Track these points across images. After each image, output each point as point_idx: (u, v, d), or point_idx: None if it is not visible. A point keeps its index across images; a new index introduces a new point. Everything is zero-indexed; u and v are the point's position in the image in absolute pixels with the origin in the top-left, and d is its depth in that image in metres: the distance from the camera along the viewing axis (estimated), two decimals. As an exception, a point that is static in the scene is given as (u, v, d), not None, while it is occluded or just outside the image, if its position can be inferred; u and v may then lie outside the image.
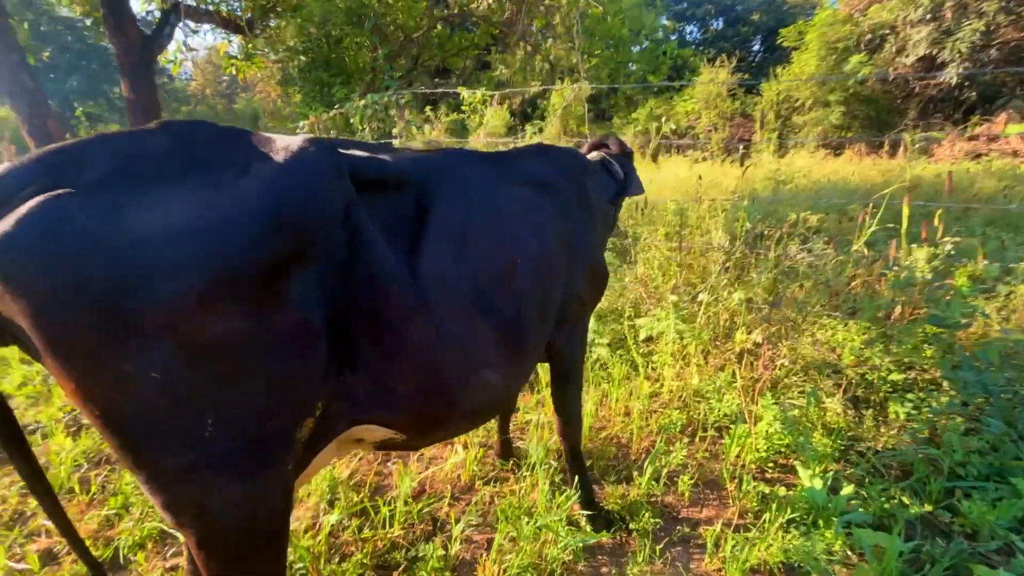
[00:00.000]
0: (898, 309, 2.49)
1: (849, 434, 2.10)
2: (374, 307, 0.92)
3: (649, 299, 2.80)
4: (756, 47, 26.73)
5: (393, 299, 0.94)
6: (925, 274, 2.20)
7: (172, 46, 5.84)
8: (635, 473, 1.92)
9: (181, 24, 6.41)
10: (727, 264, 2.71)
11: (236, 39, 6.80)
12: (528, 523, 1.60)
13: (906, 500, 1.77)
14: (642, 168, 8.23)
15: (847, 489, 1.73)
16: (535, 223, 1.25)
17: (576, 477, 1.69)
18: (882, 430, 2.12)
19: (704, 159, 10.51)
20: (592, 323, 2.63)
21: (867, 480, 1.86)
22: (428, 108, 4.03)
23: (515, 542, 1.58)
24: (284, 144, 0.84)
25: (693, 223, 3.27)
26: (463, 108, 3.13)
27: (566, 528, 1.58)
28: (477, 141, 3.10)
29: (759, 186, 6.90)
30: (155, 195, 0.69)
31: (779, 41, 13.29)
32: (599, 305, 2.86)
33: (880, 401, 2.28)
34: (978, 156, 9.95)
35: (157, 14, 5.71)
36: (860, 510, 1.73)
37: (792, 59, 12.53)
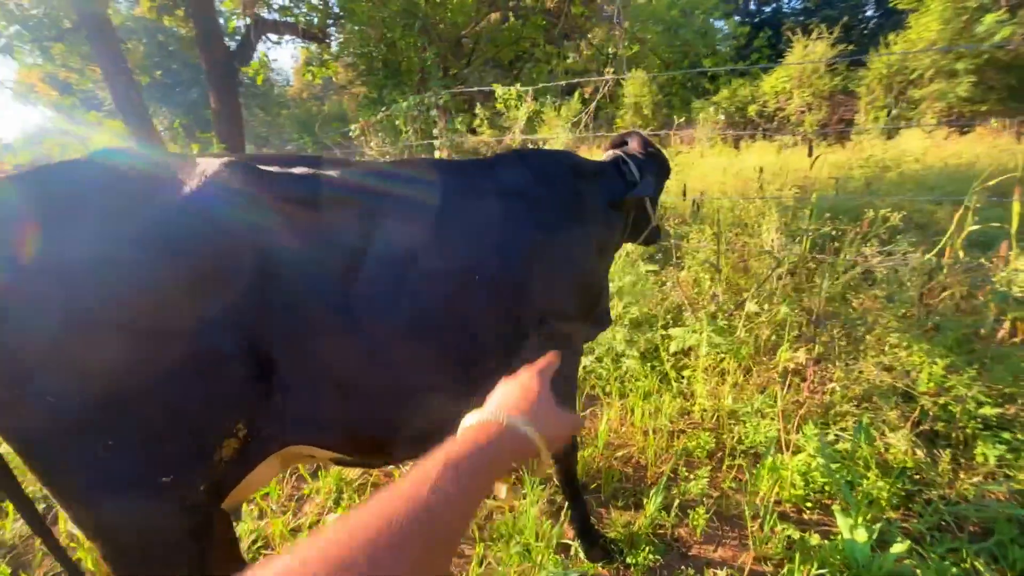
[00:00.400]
0: (1006, 326, 2.06)
1: (916, 476, 1.77)
2: (295, 331, 0.90)
3: (691, 306, 2.57)
4: (869, 12, 23.62)
5: (316, 323, 0.91)
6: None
7: (255, 57, 6.38)
8: (647, 499, 1.77)
9: (263, 37, 6.98)
10: (776, 270, 2.40)
11: (313, 47, 7.28)
12: (514, 545, 1.53)
13: (979, 566, 1.45)
14: (716, 156, 7.60)
15: (899, 545, 1.46)
16: (499, 236, 1.17)
17: (571, 502, 1.58)
18: (962, 476, 1.76)
19: (795, 144, 9.52)
20: (622, 332, 2.47)
21: (929, 536, 1.56)
22: (499, 104, 3.93)
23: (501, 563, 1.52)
24: (200, 170, 0.85)
25: (751, 221, 2.95)
26: (496, 106, 3.07)
27: (553, 557, 1.49)
28: (512, 139, 3.03)
29: (856, 174, 6.11)
30: (57, 228, 0.71)
31: (892, 3, 11.54)
32: (633, 313, 2.68)
33: (964, 439, 1.89)
34: None
35: (242, 28, 6.26)
36: (918, 572, 1.45)
37: (909, 23, 10.85)
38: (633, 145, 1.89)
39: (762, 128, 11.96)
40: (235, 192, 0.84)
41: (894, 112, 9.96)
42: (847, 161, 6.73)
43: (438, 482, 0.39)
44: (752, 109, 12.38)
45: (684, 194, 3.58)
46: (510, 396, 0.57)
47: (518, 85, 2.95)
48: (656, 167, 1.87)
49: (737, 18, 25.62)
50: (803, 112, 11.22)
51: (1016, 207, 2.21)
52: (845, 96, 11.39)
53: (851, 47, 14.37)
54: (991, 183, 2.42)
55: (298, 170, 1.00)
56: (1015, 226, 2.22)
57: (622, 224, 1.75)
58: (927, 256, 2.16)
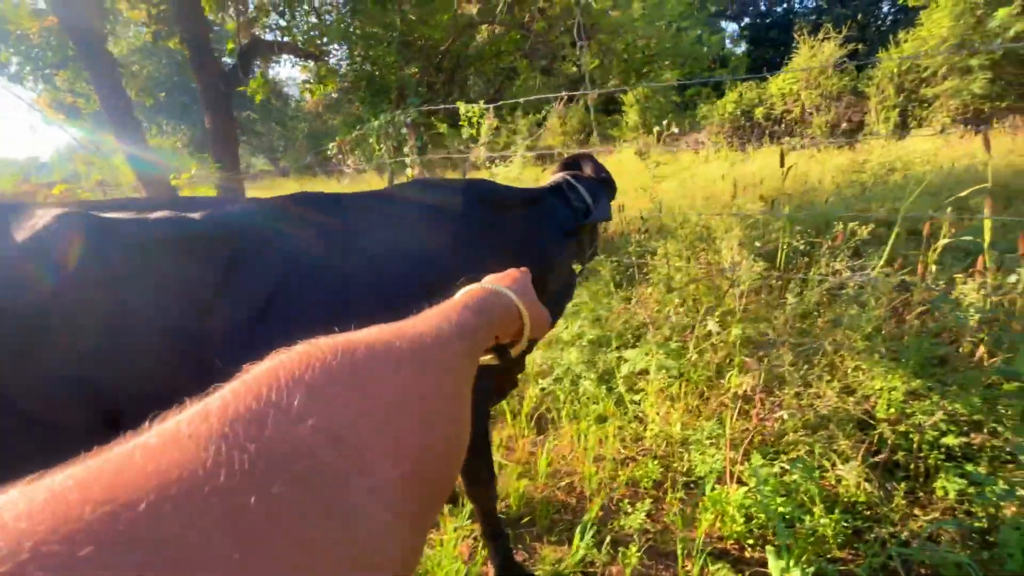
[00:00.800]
0: (982, 348, 1.94)
1: (867, 512, 1.67)
2: (142, 385, 0.88)
3: (652, 325, 2.49)
4: (885, 8, 23.11)
5: (163, 376, 0.89)
6: (970, 313, 1.66)
7: (253, 76, 6.53)
8: (581, 534, 1.70)
9: (265, 57, 7.13)
10: (734, 288, 2.31)
11: (311, 64, 7.43)
12: (432, 584, 1.48)
13: (920, 616, 1.35)
14: (722, 161, 7.46)
15: (835, 591, 1.37)
16: (380, 275, 1.13)
17: (490, 539, 1.53)
18: (917, 511, 1.65)
19: (803, 147, 9.31)
20: (576, 354, 2.41)
21: (873, 580, 1.46)
22: (463, 121, 3.92)
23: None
24: (29, 223, 0.84)
25: (720, 236, 2.86)
26: (461, 123, 3.06)
27: (465, 598, 1.44)
28: (477, 155, 3.00)
29: (860, 178, 5.94)
30: None
31: (902, 0, 11.22)
32: (591, 334, 2.62)
33: (926, 471, 1.78)
34: None
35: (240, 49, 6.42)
36: (856, 619, 1.36)
37: (920, 20, 10.53)
38: (585, 169, 1.84)
39: (768, 131, 11.72)
40: (60, 244, 0.83)
41: (905, 111, 9.65)
42: (850, 165, 6.55)
43: (460, 315, 0.43)
44: (759, 112, 12.15)
45: (660, 209, 3.51)
46: (495, 276, 0.64)
47: (482, 103, 2.93)
48: (608, 194, 1.82)
49: (747, 19, 25.37)
50: (811, 114, 10.97)
51: (987, 221, 2.09)
52: (855, 96, 11.09)
53: (861, 46, 14.02)
54: (964, 193, 2.30)
55: (155, 215, 0.98)
56: (987, 240, 2.10)
57: (572, 250, 1.69)
58: (875, 271, 2.05)
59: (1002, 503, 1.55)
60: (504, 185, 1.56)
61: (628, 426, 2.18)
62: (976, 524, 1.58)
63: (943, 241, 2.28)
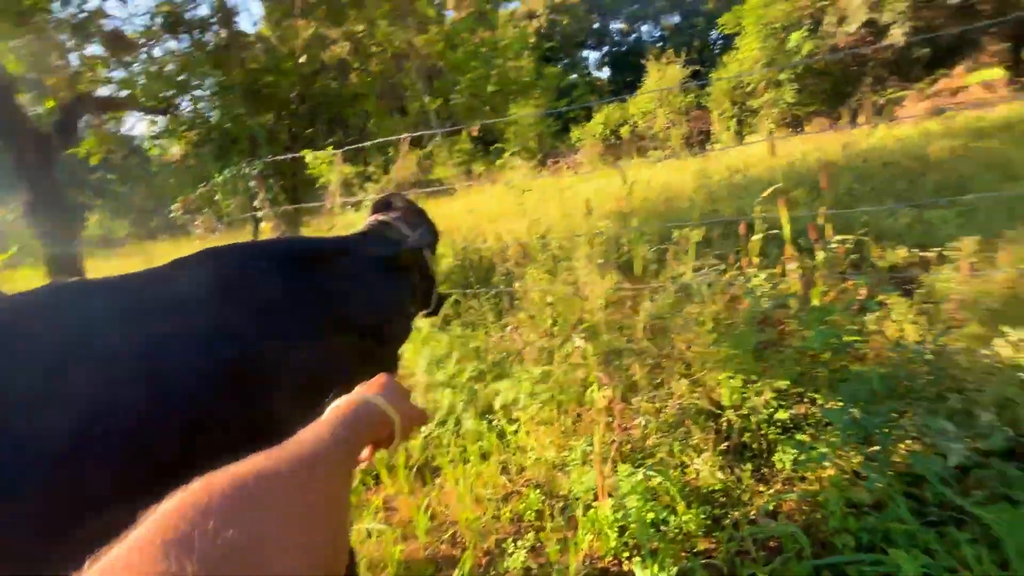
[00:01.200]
0: (791, 328, 2.21)
1: (723, 499, 1.79)
2: None
3: (521, 353, 2.53)
4: (714, 35, 26.82)
5: None
6: (762, 301, 1.90)
7: (83, 136, 5.81)
8: (464, 588, 1.62)
9: (97, 114, 6.40)
10: (587, 304, 2.44)
11: (159, 119, 6.80)
12: None
13: (769, 591, 1.45)
14: (598, 178, 7.96)
15: (696, 586, 1.42)
16: (158, 365, 1.00)
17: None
18: (762, 488, 1.81)
19: (668, 157, 10.30)
20: (451, 395, 2.36)
21: (730, 563, 1.55)
22: (311, 170, 3.64)
23: None
24: None
25: (575, 255, 3.01)
26: (310, 171, 2.95)
27: None
28: (333, 201, 2.91)
29: (712, 182, 6.66)
30: None
31: (719, 30, 13.14)
32: (474, 365, 2.59)
33: (768, 447, 1.96)
34: (941, 112, 9.63)
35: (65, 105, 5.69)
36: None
37: (736, 44, 12.37)
38: (398, 205, 1.81)
39: (637, 146, 12.88)
40: None
41: (740, 120, 11.13)
42: (701, 172, 7.33)
43: (333, 431, 0.49)
44: (625, 130, 13.33)
45: (527, 232, 3.63)
46: (364, 386, 0.69)
47: (330, 149, 2.84)
48: (427, 224, 1.80)
49: (606, 48, 28.10)
50: (668, 128, 12.26)
51: (784, 215, 2.41)
52: (700, 111, 12.61)
53: (701, 67, 16.07)
54: (766, 194, 2.65)
55: None
56: (787, 233, 2.43)
57: (407, 292, 1.64)
58: (687, 274, 2.27)
59: (824, 464, 1.74)
60: (315, 238, 1.48)
61: (512, 458, 2.17)
62: (809, 487, 1.76)
63: (757, 236, 2.59)
